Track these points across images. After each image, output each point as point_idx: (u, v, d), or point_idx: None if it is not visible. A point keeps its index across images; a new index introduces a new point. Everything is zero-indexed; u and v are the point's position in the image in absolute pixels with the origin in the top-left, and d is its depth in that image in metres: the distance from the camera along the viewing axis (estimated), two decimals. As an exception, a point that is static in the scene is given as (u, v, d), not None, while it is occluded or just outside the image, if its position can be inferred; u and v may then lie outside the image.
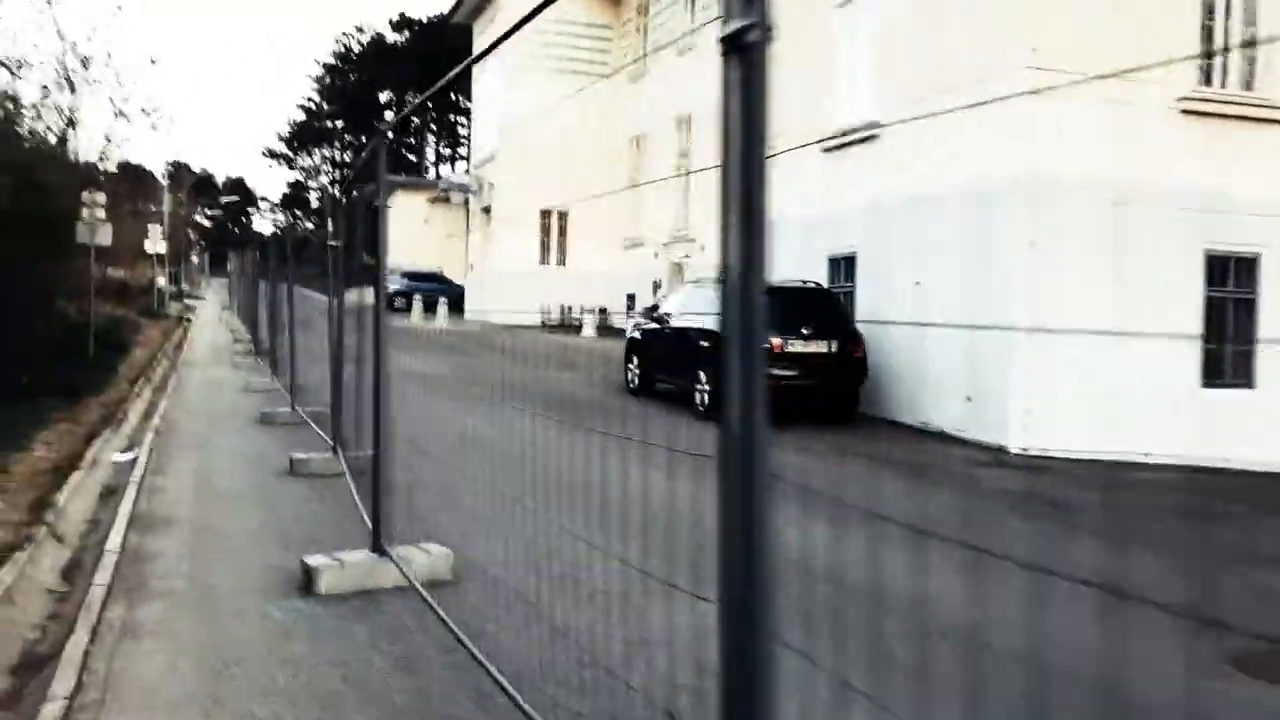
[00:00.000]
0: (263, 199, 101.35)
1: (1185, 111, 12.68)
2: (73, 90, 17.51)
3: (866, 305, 14.84)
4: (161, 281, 40.14)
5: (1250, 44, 13.19)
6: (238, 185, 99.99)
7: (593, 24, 32.77)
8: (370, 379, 7.84)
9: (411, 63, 72.93)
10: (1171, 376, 12.59)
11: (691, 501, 7.08)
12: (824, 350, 13.26)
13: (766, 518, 2.08)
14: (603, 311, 31.44)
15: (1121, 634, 4.76)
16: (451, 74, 5.16)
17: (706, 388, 13.55)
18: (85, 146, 20.46)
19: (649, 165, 30.69)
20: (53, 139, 17.60)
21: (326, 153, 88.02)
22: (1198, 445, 12.24)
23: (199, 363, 19.86)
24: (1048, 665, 4.71)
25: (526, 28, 3.84)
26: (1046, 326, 12.23)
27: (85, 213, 18.76)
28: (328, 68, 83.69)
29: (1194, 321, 12.75)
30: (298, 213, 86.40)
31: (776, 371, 13.08)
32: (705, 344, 13.66)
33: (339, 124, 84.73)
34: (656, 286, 28.58)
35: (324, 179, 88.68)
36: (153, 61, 36.31)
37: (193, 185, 67.65)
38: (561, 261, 33.77)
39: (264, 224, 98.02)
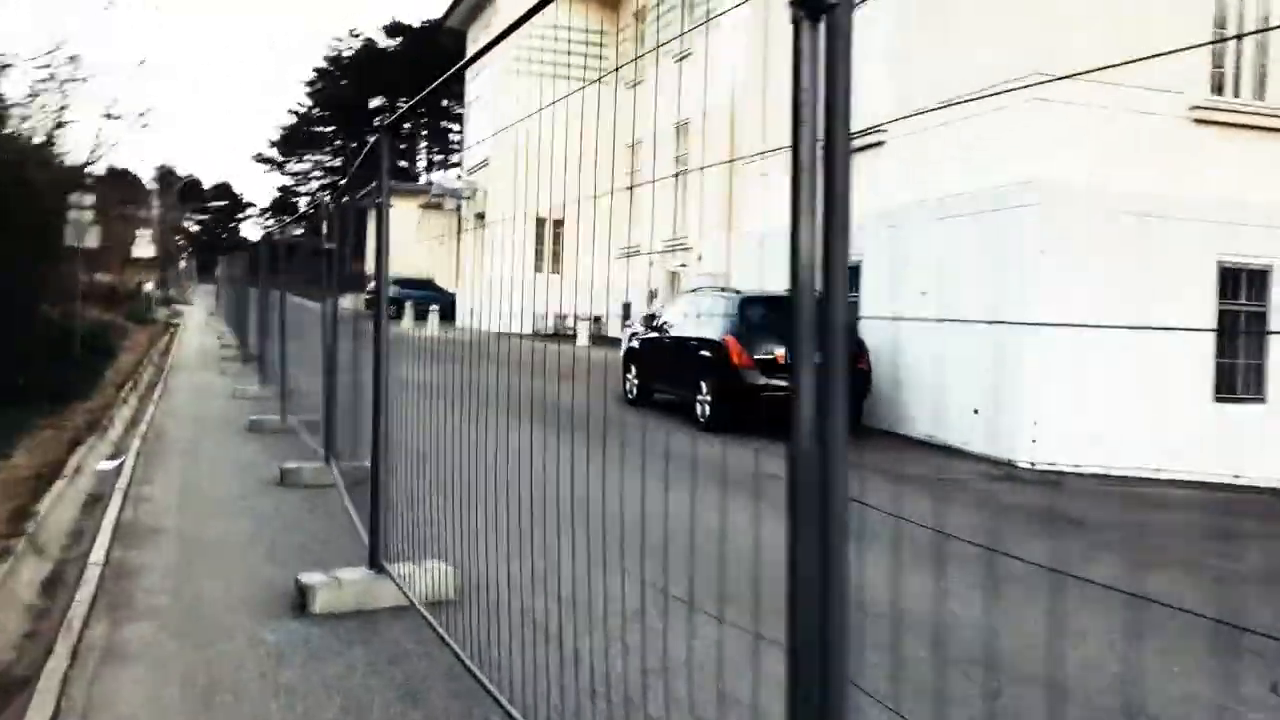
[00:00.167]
0: (251, 204, 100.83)
1: (1198, 121, 12.48)
2: (61, 90, 17.18)
3: (873, 315, 14.57)
4: (149, 286, 39.72)
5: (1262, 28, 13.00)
6: (226, 190, 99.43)
7: (588, 29, 32.56)
8: (365, 387, 7.55)
9: (403, 68, 72.66)
10: (1183, 390, 12.36)
11: (709, 517, 6.79)
12: (827, 361, 12.99)
13: (844, 554, 1.79)
14: (597, 320, 31.16)
15: (1164, 661, 4.48)
16: (456, 67, 4.89)
17: (708, 399, 13.27)
18: (73, 148, 20.13)
19: (646, 172, 30.47)
20: (40, 139, 17.26)
21: (317, 158, 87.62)
22: (1210, 461, 12.03)
23: (186, 368, 19.50)
24: (1080, 692, 4.43)
25: (521, 32, 3.69)
26: (1057, 338, 12.00)
27: (73, 214, 18.41)
28: (319, 72, 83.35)
29: (1206, 334, 12.54)
30: (287, 218, 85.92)
31: (778, 382, 12.83)
32: (706, 354, 13.39)
33: (329, 129, 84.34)
34: (653, 295, 28.33)
35: (314, 184, 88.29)
36: (141, 62, 35.99)
37: (181, 190, 67.20)
38: (555, 269, 33.48)
39: (253, 229, 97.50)
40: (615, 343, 27.85)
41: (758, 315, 13.33)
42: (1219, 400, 12.74)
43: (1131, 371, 12.00)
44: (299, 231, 17.42)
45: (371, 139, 5.36)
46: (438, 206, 38.25)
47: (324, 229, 9.30)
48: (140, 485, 8.21)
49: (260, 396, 14.42)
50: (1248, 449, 12.11)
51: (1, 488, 7.80)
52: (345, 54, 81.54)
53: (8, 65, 15.30)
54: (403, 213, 48.80)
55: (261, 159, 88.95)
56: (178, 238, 73.47)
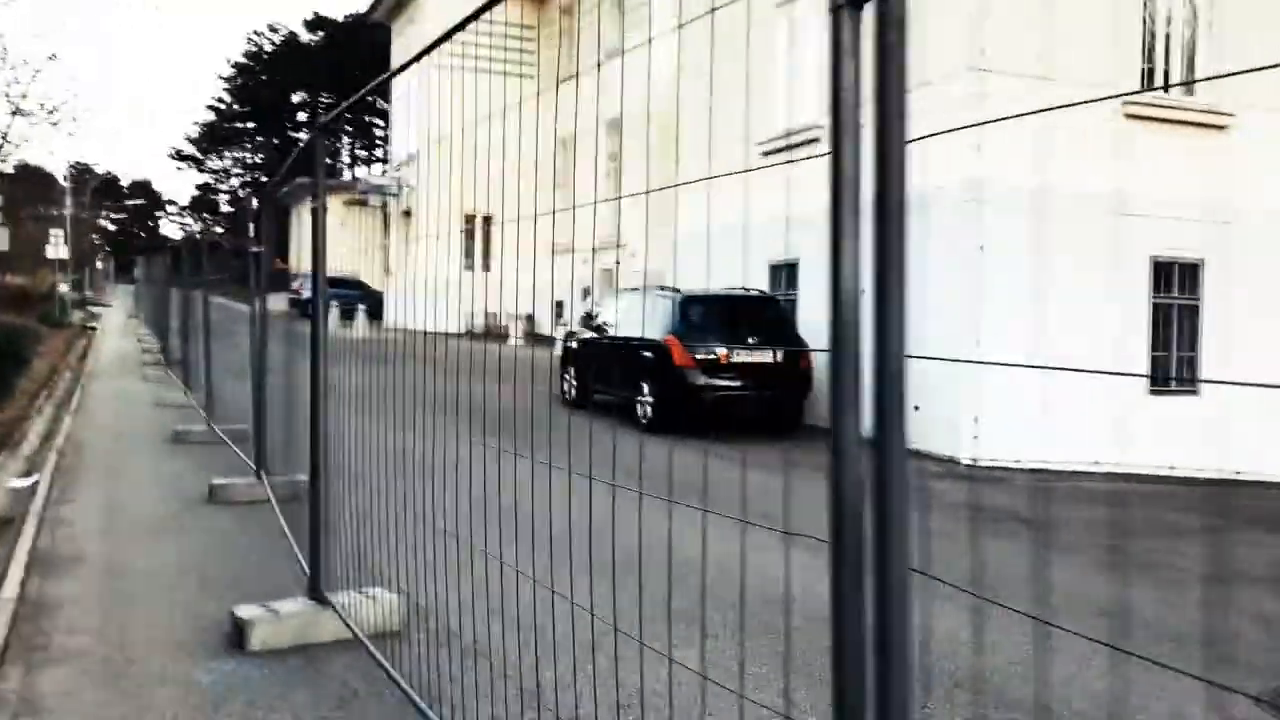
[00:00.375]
0: (170, 202, 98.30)
1: (1129, 116, 12.57)
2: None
3: (811, 313, 14.47)
4: (64, 288, 38.35)
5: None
6: (144, 188, 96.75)
7: (517, 24, 32.13)
8: (298, 395, 7.18)
9: (325, 64, 71.25)
10: (1119, 384, 12.45)
11: (665, 535, 6.57)
12: (769, 361, 12.87)
13: (909, 626, 1.56)
14: (529, 319, 30.77)
15: (1135, 671, 4.35)
16: (398, 67, 4.58)
17: (650, 400, 13.06)
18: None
19: (578, 169, 30.15)
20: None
21: (237, 155, 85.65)
22: (1146, 453, 12.15)
23: (105, 375, 18.76)
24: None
25: (445, 26, 3.51)
26: (997, 334, 12.00)
27: (-21, 216, 17.58)
28: (238, 67, 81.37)
29: (1140, 329, 12.66)
30: (208, 217, 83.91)
31: (720, 382, 12.67)
32: (647, 355, 13.18)
33: (250, 125, 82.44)
34: (586, 293, 28.04)
35: (235, 181, 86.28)
36: (52, 57, 34.58)
37: (97, 188, 65.15)
38: (486, 267, 32.99)
39: (172, 228, 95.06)
40: (548, 342, 27.53)
41: (699, 315, 13.16)
42: (1154, 393, 12.89)
43: (1069, 364, 12.05)
44: (219, 231, 16.84)
45: (305, 140, 5.01)
46: (363, 203, 37.50)
47: (250, 229, 8.87)
48: (57, 506, 7.74)
49: (184, 405, 13.88)
50: (1181, 440, 12.24)
51: (-95, 513, 7.30)
52: (265, 49, 79.72)
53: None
54: (330, 208, 47.80)
55: (180, 156, 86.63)
56: (94, 237, 71.29)
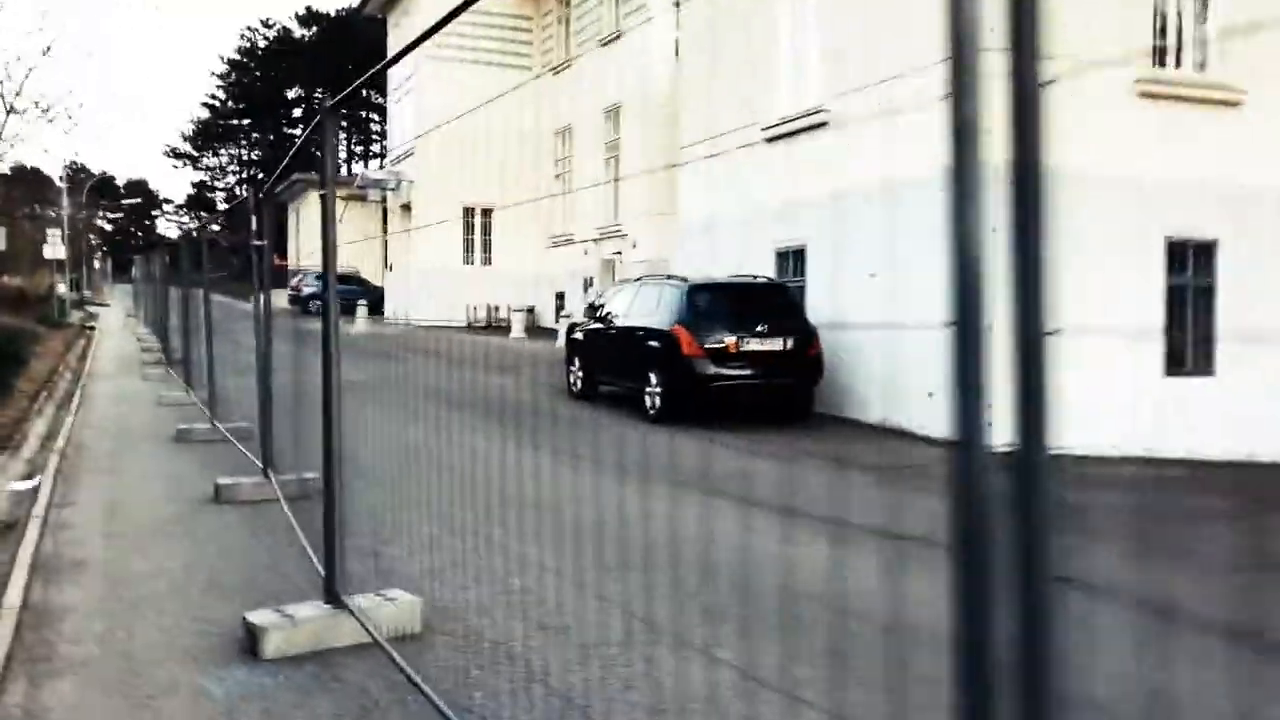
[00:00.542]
0: (167, 201, 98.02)
1: (1142, 94, 12.35)
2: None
3: (819, 299, 14.27)
4: (62, 288, 38.13)
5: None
6: (140, 187, 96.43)
7: (511, 15, 31.84)
8: (305, 391, 6.98)
9: (319, 58, 70.89)
10: (1135, 367, 12.26)
11: (687, 526, 6.40)
12: (779, 348, 12.66)
13: (1055, 644, 1.36)
14: (531, 311, 30.56)
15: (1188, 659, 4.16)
16: (406, 46, 4.35)
17: (657, 390, 12.85)
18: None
19: (577, 159, 29.91)
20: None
21: (232, 151, 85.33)
22: (1162, 437, 11.96)
23: (106, 375, 18.55)
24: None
25: (441, 18, 3.35)
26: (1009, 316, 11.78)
27: (-26, 215, 17.35)
28: (231, 64, 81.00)
29: (1155, 310, 12.45)
30: (204, 214, 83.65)
31: (730, 371, 12.47)
32: (655, 344, 12.97)
33: (245, 122, 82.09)
34: (588, 284, 27.82)
35: (230, 179, 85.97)
36: (46, 51, 34.22)
37: (93, 187, 64.84)
38: (486, 260, 32.79)
39: (169, 227, 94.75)
40: (550, 334, 27.33)
41: (707, 303, 12.94)
42: (1170, 375, 12.68)
43: (1084, 349, 11.86)
44: (216, 228, 16.63)
45: (314, 121, 4.80)
46: (362, 198, 37.23)
47: (252, 223, 8.66)
48: (60, 509, 7.54)
49: (186, 403, 13.67)
50: (1198, 423, 12.05)
51: (-97, 518, 7.10)
52: (259, 45, 79.34)
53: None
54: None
55: (175, 154, 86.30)
56: (91, 237, 71.02)
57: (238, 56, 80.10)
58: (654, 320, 13.20)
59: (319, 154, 5.02)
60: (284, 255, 45.60)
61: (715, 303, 12.99)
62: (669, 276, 14.30)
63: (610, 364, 14.44)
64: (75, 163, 58.29)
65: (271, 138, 79.36)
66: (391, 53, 36.59)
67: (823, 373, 13.15)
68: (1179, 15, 12.95)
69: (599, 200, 27.83)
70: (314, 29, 76.21)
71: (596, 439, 9.74)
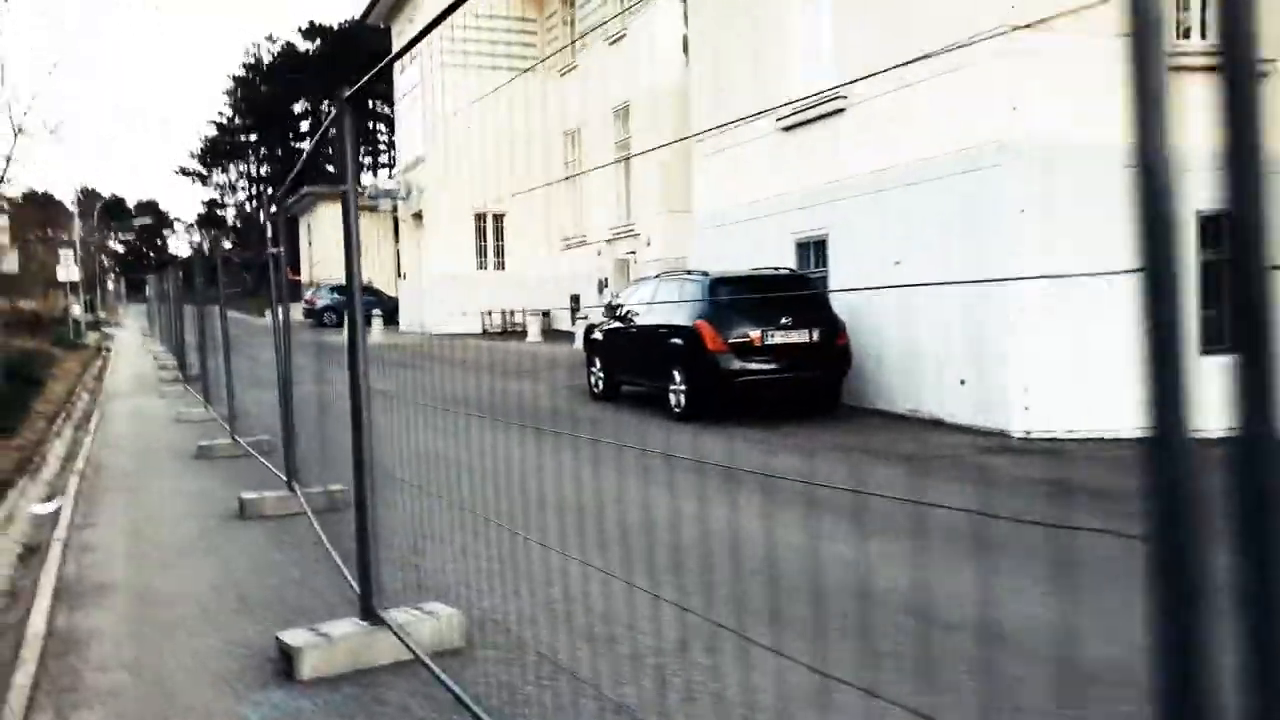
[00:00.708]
0: (177, 219, 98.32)
1: (1172, 68, 12.03)
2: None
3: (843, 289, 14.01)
4: (76, 310, 38.14)
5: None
6: (150, 207, 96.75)
7: (515, 17, 31.68)
8: (329, 403, 6.79)
9: (324, 71, 70.92)
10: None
11: (728, 525, 6.17)
12: (805, 340, 12.40)
13: None
14: (546, 314, 30.38)
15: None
16: (419, 34, 4.14)
17: (682, 388, 12.62)
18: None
19: (586, 159, 29.71)
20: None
21: (242, 168, 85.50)
22: (1201, 415, 11.66)
23: (123, 394, 18.43)
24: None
25: (447, 24, 3.14)
26: (1042, 300, 11.52)
27: (-14, 239, 17.27)
28: (237, 80, 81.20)
29: (1189, 287, 12.14)
30: (216, 231, 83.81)
31: (755, 366, 12.23)
32: (677, 341, 12.74)
33: (252, 138, 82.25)
34: (602, 285, 27.62)
35: (240, 195, 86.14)
36: (52, 70, 34.18)
37: (104, 209, 65.03)
38: (500, 265, 32.62)
39: (180, 245, 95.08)
40: (566, 337, 27.12)
41: (729, 297, 12.70)
42: (1206, 352, 12.37)
43: (1119, 328, 11.59)
44: (228, 244, 16.50)
45: (330, 118, 4.60)
46: (372, 209, 37.13)
47: (267, 231, 8.48)
48: (81, 531, 7.36)
49: (205, 419, 13.52)
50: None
51: (-77, 546, 6.94)
52: (264, 60, 79.51)
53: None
54: (337, 217, 47.47)
55: (185, 172, 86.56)
56: (103, 258, 71.23)
57: (243, 72, 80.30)
58: (675, 317, 12.97)
59: (335, 152, 4.81)
60: (296, 270, 45.55)
61: (737, 296, 12.75)
62: (688, 272, 14.06)
63: (632, 363, 14.22)
64: (86, 187, 58.41)
65: (279, 152, 79.47)
66: (398, 62, 36.32)
67: (850, 364, 12.90)
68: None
69: (611, 200, 27.63)
70: (318, 42, 76.27)
71: (624, 440, 9.51)
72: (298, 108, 78.89)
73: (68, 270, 36.21)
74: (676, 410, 12.70)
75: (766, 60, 15.91)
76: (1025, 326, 11.50)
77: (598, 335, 15.27)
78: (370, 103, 65.88)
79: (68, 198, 45.99)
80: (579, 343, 22.09)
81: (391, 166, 38.96)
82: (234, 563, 6.21)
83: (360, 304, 4.42)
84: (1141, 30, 1.22)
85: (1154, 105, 1.22)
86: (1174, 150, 1.24)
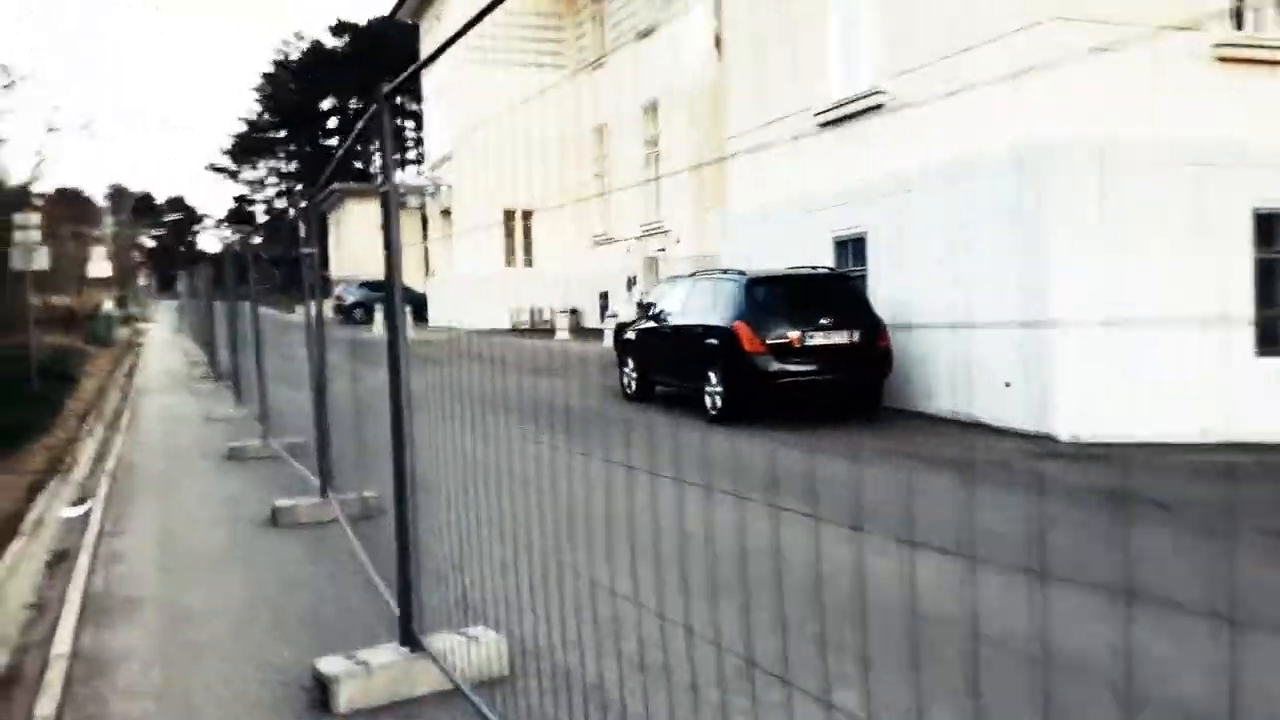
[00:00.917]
0: (206, 215, 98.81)
1: (1221, 59, 11.66)
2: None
3: (883, 289, 13.69)
4: (108, 306, 38.30)
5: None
6: (181, 203, 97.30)
7: (543, 14, 31.45)
8: (367, 405, 6.56)
9: (352, 68, 71.04)
10: (1223, 347, 11.59)
11: (784, 541, 5.86)
12: (845, 342, 12.10)
13: None
14: (574, 313, 30.18)
15: None
16: (458, 30, 3.89)
17: (718, 389, 12.35)
18: (14, 166, 18.92)
19: (615, 157, 29.47)
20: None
21: (271, 164, 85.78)
22: (1256, 420, 11.29)
23: (154, 391, 18.36)
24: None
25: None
26: (1089, 301, 11.16)
27: (18, 236, 17.21)
28: (267, 77, 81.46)
29: (1244, 287, 11.76)
30: (247, 227, 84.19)
31: (794, 368, 11.94)
32: (714, 342, 12.47)
33: (281, 134, 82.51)
34: (631, 283, 27.37)
35: (270, 191, 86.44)
36: (86, 68, 34.41)
37: (134, 206, 65.40)
38: (528, 262, 32.46)
39: (211, 241, 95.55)
40: (596, 334, 26.88)
41: (767, 297, 12.41)
42: (1261, 355, 11.98)
43: (1169, 330, 11.23)
44: (257, 240, 16.36)
45: (370, 111, 4.36)
46: (401, 205, 37.03)
47: (300, 230, 8.28)
48: (111, 538, 7.19)
49: (236, 419, 13.39)
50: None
51: (-50, 554, 6.78)
52: (292, 57, 79.70)
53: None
54: (365, 214, 47.50)
55: (215, 169, 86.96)
56: (134, 254, 71.70)
57: (272, 69, 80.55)
58: (712, 317, 12.71)
59: (377, 148, 4.57)
60: (325, 266, 45.58)
61: (776, 296, 12.46)
62: (724, 270, 13.78)
63: (666, 364, 13.96)
64: (116, 184, 58.77)
65: (308, 149, 79.69)
66: (425, 55, 36.51)
67: (891, 366, 12.60)
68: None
69: (640, 197, 27.36)
70: (346, 39, 76.38)
71: (661, 444, 9.24)
72: (325, 104, 79.08)
73: (99, 266, 36.34)
74: (713, 412, 12.44)
75: (805, 55, 15.59)
76: (1072, 328, 11.15)
77: (630, 335, 15.01)
78: (398, 99, 65.88)
79: (98, 194, 46.19)
80: (608, 341, 21.85)
81: (419, 163, 38.82)
82: (267, 576, 6.00)
83: (401, 308, 4.18)
84: None
85: None
86: None
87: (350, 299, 38.13)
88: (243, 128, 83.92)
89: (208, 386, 18.12)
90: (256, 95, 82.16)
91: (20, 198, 18.89)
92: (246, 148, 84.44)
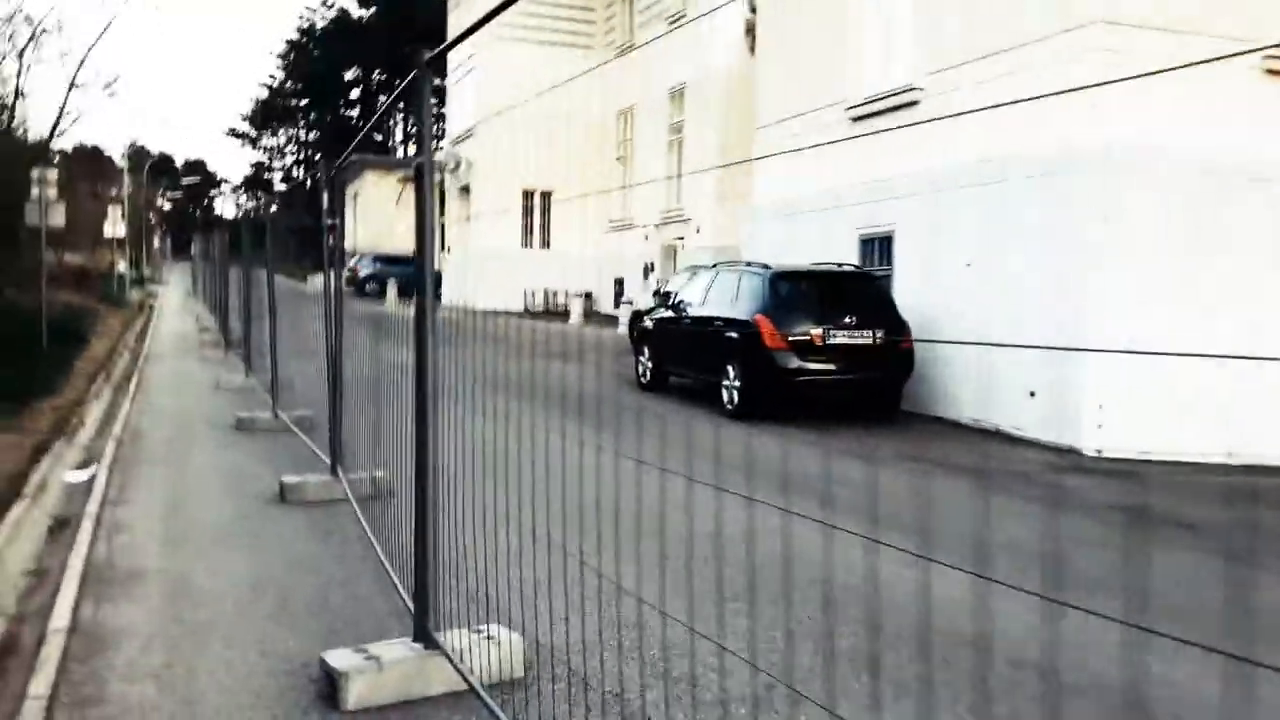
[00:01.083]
0: (225, 180, 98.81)
1: (1270, 71, 11.37)
2: (20, 57, 15.78)
3: (907, 290, 13.45)
4: (122, 267, 38.19)
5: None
6: (199, 166, 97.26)
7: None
8: (382, 382, 6.36)
9: (377, 39, 70.73)
10: (1253, 365, 11.34)
11: (811, 547, 5.68)
12: (868, 342, 11.88)
13: None
14: (588, 297, 29.94)
15: None
16: (497, 7, 3.67)
17: (736, 384, 12.14)
18: (36, 120, 18.76)
19: (638, 141, 29.19)
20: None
21: (291, 132, 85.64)
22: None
23: (164, 356, 18.22)
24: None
25: None
26: (1121, 312, 10.92)
27: (35, 191, 17.05)
28: (291, 44, 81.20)
29: (1276, 300, 11.50)
30: (265, 193, 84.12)
31: (815, 366, 11.73)
32: (734, 335, 12.25)
33: (303, 102, 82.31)
34: (648, 270, 27.14)
35: (289, 159, 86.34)
36: (108, 26, 34.20)
37: (152, 167, 65.28)
38: (545, 243, 32.21)
39: (228, 206, 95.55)
40: (609, 320, 26.64)
41: (790, 292, 12.19)
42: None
43: (1200, 347, 10.99)
44: (274, 208, 16.16)
45: (410, 76, 4.15)
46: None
47: (323, 200, 8.08)
48: (115, 507, 7.02)
49: (246, 388, 13.23)
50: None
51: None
52: (318, 25, 79.41)
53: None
54: (382, 187, 47.29)
55: (234, 134, 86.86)
56: (150, 216, 71.63)
57: (297, 37, 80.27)
58: (733, 309, 12.49)
59: (392, 121, 4.35)
60: (342, 235, 45.41)
61: (800, 292, 12.25)
62: (748, 263, 13.54)
63: (682, 355, 13.76)
64: (135, 143, 58.64)
65: (329, 119, 79.47)
66: (452, 29, 35.70)
67: (913, 368, 12.38)
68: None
69: (661, 184, 27.09)
70: (372, 9, 76.02)
71: (686, 440, 9.03)
72: (349, 75, 78.80)
73: (114, 226, 36.20)
74: (729, 407, 12.23)
75: (839, 47, 15.32)
76: (1102, 340, 10.92)
77: (647, 323, 14.81)
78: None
79: (117, 153, 46.05)
80: (623, 327, 21.63)
81: (440, 138, 38.56)
82: (273, 555, 5.82)
83: (432, 289, 3.97)
84: None
85: None
86: None
87: (364, 271, 37.95)
88: (264, 94, 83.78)
89: (218, 353, 17.96)
90: (279, 62, 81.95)
91: (39, 153, 18.70)
92: (267, 114, 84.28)
